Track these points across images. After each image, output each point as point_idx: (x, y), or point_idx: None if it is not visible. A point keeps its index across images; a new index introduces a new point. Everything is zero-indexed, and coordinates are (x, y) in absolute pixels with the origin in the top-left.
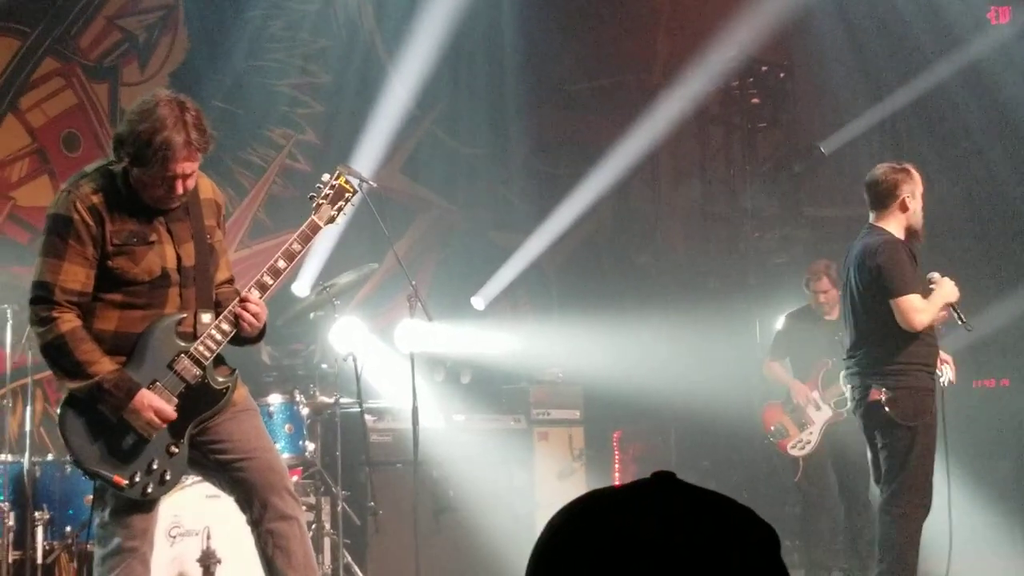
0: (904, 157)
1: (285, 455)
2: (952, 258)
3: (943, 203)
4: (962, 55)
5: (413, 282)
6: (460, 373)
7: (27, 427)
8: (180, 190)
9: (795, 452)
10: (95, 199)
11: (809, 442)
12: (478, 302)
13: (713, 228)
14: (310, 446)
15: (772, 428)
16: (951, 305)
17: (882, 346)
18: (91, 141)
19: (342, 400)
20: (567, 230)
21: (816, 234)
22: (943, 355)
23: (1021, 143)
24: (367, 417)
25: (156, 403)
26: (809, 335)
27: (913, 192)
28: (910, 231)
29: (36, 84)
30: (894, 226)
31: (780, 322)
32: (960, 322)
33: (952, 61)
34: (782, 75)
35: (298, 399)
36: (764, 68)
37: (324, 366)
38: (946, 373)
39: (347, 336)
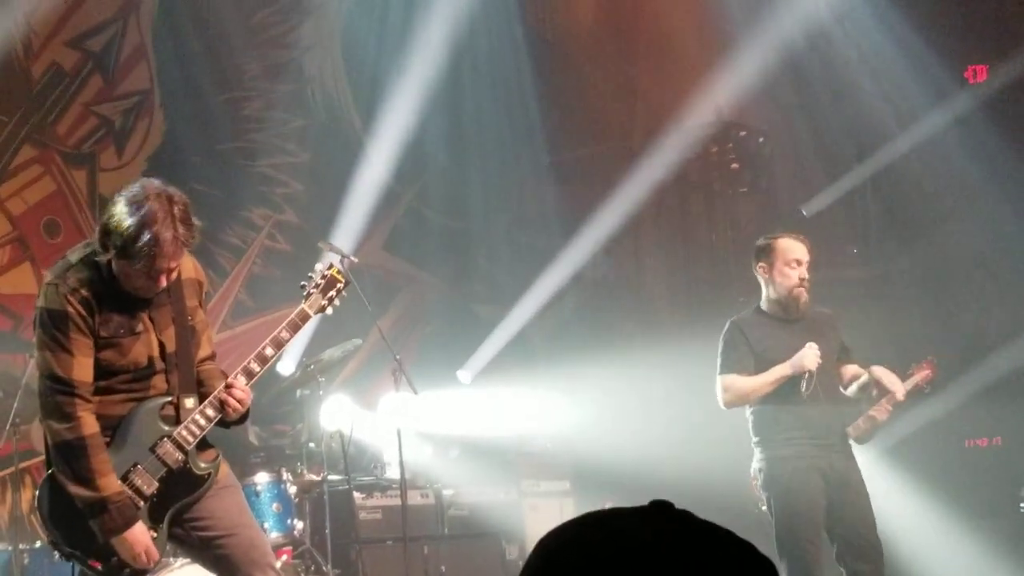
0: (888, 219)
1: (274, 534)
2: (955, 310)
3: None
4: (944, 115)
5: (397, 356)
6: (448, 448)
7: (17, 514)
8: (163, 284)
9: None
10: (84, 292)
11: None
12: (464, 376)
13: (698, 293)
14: (299, 525)
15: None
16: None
17: (753, 420)
18: (71, 227)
19: (330, 477)
20: (551, 301)
21: None
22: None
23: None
24: (356, 494)
25: (148, 543)
26: None
27: (772, 263)
28: (772, 300)
29: (15, 172)
30: (763, 297)
31: None
32: (803, 389)
33: (933, 122)
34: (760, 140)
35: (285, 477)
36: (742, 133)
37: (311, 445)
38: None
39: (335, 414)
